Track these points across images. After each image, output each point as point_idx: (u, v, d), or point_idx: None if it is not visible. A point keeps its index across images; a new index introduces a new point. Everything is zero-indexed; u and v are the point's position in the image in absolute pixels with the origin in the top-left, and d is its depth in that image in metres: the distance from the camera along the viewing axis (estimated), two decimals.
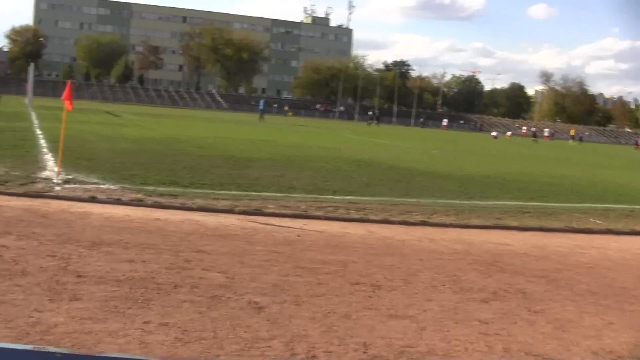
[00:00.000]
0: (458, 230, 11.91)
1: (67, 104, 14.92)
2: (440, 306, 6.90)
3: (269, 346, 5.32)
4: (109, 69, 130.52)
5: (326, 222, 11.51)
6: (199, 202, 12.23)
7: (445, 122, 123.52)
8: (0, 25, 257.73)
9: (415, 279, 7.96)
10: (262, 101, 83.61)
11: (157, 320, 5.64)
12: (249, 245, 9.12)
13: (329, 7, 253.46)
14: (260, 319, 5.95)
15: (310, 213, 12.09)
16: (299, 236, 10.11)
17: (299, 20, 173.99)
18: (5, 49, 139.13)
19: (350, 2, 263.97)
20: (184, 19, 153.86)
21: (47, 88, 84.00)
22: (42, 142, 21.06)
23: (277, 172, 17.91)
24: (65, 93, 14.87)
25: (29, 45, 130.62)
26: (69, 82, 15.93)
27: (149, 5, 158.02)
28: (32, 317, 5.43)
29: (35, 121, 33.31)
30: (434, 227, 11.94)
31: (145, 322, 5.56)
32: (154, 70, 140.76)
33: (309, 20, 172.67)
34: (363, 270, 8.15)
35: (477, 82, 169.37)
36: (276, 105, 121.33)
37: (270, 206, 12.43)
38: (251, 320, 5.87)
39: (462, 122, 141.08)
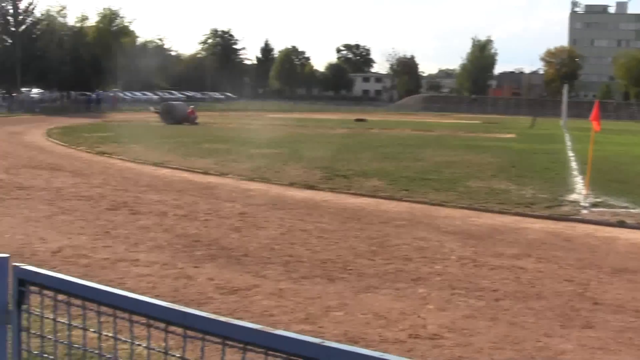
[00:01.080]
0: None
1: (594, 125, 14.80)
2: None
3: None
4: None
5: None
6: None
7: None
8: (535, 47, 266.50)
9: None
10: None
11: None
12: None
13: None
14: None
15: None
16: None
17: None
18: (541, 72, 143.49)
19: None
20: None
21: (583, 109, 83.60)
22: (573, 164, 21.17)
23: None
24: (593, 113, 14.80)
25: (564, 66, 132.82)
26: (596, 102, 15.83)
27: None
28: (540, 341, 5.40)
29: (568, 143, 33.64)
30: None
31: None
32: None
33: None
34: None
35: None
36: None
37: None
38: None
39: None
